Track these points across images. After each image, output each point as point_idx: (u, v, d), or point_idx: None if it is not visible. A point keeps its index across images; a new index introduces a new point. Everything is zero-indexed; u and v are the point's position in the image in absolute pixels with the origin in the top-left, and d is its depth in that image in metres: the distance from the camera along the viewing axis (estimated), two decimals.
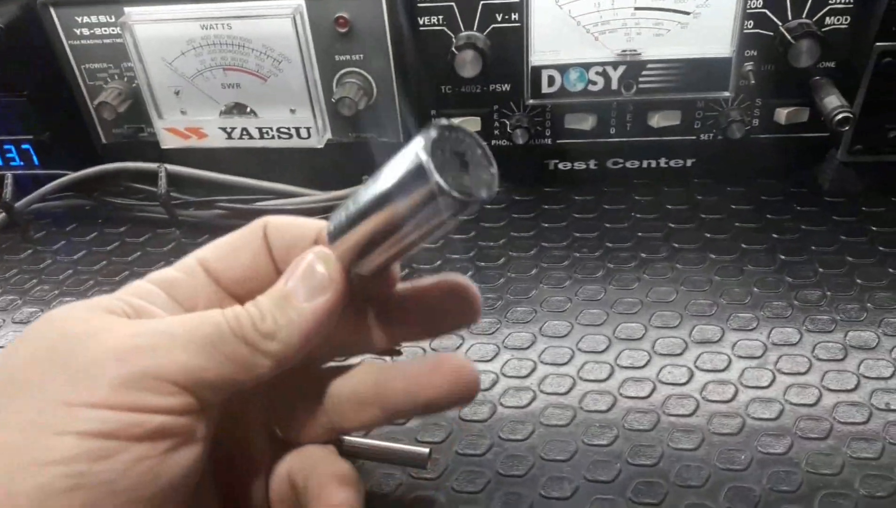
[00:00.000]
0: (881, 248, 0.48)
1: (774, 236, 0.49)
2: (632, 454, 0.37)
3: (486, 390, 0.41)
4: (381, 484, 0.36)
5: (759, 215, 0.51)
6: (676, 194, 0.53)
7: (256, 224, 0.30)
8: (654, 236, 0.50)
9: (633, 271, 0.48)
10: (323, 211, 0.52)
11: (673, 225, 0.51)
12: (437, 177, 0.21)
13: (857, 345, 0.42)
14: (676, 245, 0.49)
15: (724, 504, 0.34)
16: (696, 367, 0.41)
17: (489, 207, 0.53)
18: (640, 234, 0.50)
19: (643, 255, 0.49)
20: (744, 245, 0.49)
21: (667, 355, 0.42)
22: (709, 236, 0.50)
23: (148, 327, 0.25)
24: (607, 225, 0.51)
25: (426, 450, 0.34)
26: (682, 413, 0.39)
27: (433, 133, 0.22)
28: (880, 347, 0.41)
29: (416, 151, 0.22)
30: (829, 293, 0.45)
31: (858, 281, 0.46)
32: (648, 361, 0.42)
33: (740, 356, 0.41)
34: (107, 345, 0.23)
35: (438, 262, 0.49)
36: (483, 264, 0.49)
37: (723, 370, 0.41)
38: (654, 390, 0.40)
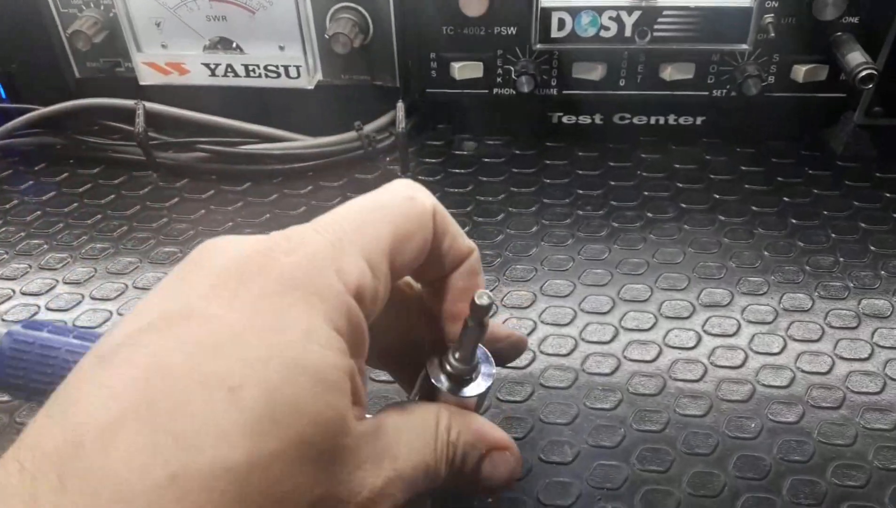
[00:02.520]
0: (895, 214, 0.46)
1: (786, 199, 0.47)
2: (637, 419, 0.35)
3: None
4: None
5: (770, 178, 0.49)
6: (685, 152, 0.51)
7: (425, 208, 0.25)
8: (661, 196, 0.48)
9: (639, 231, 0.45)
10: (312, 158, 0.49)
11: (681, 185, 0.48)
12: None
13: (870, 313, 0.40)
14: (684, 205, 0.47)
15: (734, 474, 0.33)
16: (704, 331, 0.39)
17: (488, 160, 0.51)
18: (646, 193, 0.48)
19: (649, 214, 0.46)
20: (754, 208, 0.47)
21: (674, 317, 0.40)
22: (718, 197, 0.48)
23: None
24: (612, 182, 0.49)
25: None
26: (690, 378, 0.37)
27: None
28: (895, 315, 0.40)
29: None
30: (842, 260, 0.43)
31: (872, 248, 0.44)
32: (654, 323, 0.40)
33: (750, 321, 0.39)
34: None
35: None
36: (481, 219, 0.46)
37: (732, 335, 0.39)
38: (660, 353, 0.38)
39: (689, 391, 0.36)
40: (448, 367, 0.27)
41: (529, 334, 0.39)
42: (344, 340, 0.21)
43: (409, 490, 0.23)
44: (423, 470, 0.23)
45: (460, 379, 0.27)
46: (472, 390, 0.27)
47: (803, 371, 0.37)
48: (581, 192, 0.48)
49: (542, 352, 0.38)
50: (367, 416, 0.23)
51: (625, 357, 0.38)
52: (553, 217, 0.46)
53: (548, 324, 0.40)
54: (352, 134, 0.49)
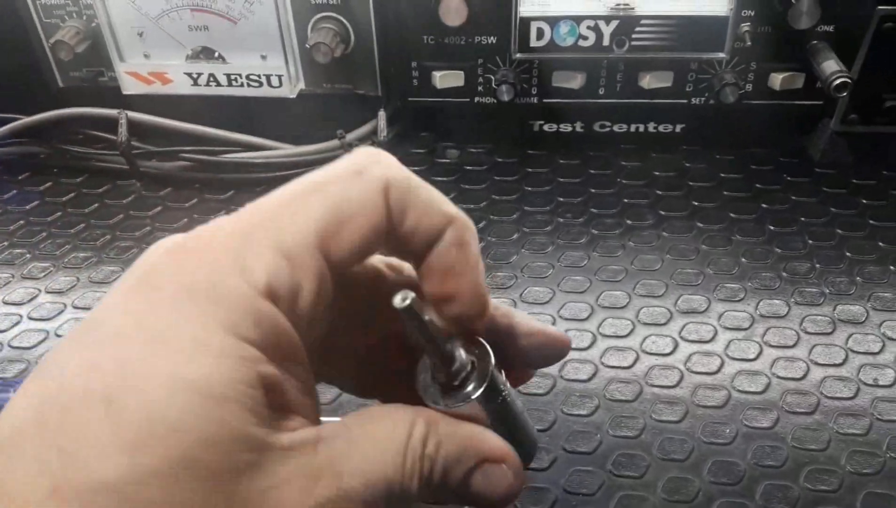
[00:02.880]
0: (871, 221, 0.46)
1: (764, 205, 0.48)
2: (613, 425, 0.35)
3: None
4: None
5: (748, 184, 0.49)
6: (664, 160, 0.51)
7: (371, 183, 0.21)
8: (641, 203, 0.48)
9: (619, 239, 0.46)
10: (293, 166, 0.49)
11: (660, 192, 0.49)
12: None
13: (845, 319, 0.40)
14: (663, 213, 0.47)
15: (708, 479, 0.33)
16: (681, 337, 0.39)
17: (470, 168, 0.51)
18: (626, 200, 0.48)
19: (629, 222, 0.47)
20: (732, 215, 0.47)
21: (651, 324, 0.40)
22: (697, 204, 0.48)
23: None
24: (592, 190, 0.49)
25: None
26: (666, 384, 0.37)
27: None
28: (869, 321, 0.40)
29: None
30: (818, 266, 0.43)
31: (848, 254, 0.44)
32: (632, 330, 0.40)
33: (727, 328, 0.40)
34: None
35: None
36: None
37: (708, 342, 0.39)
38: (637, 359, 0.38)
39: (665, 397, 0.36)
40: (434, 375, 0.23)
41: None
42: (253, 346, 0.19)
43: None
44: (383, 489, 0.20)
45: (448, 385, 0.23)
46: (458, 398, 0.22)
47: (778, 377, 0.37)
48: (562, 199, 0.49)
49: None
50: (323, 421, 0.21)
51: (602, 364, 0.38)
52: (534, 225, 0.47)
53: None
54: (334, 142, 0.49)
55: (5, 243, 0.46)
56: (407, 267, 0.25)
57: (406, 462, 0.21)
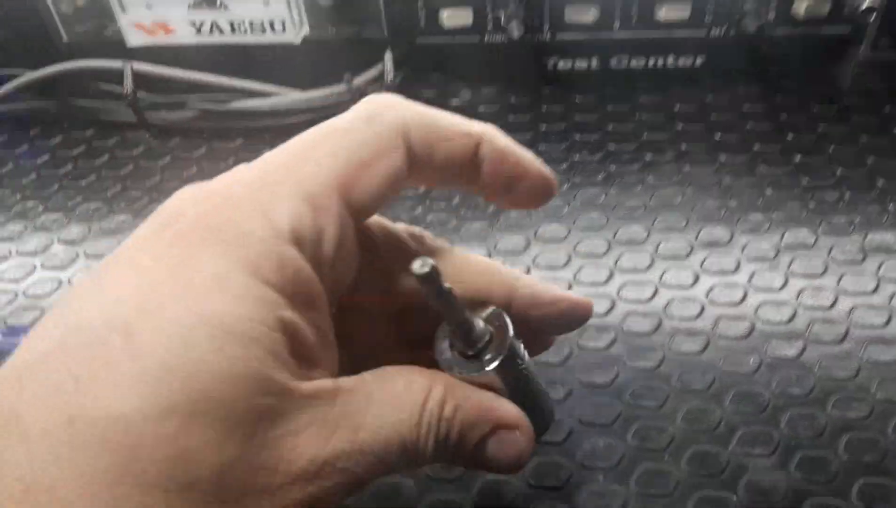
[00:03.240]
0: None
1: (790, 135, 0.46)
2: (630, 356, 0.34)
3: None
4: None
5: (773, 115, 0.47)
6: (685, 94, 0.49)
7: (388, 128, 0.22)
8: (660, 138, 0.46)
9: (637, 174, 0.44)
10: (301, 112, 0.48)
11: (681, 126, 0.47)
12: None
13: (876, 247, 0.38)
14: (684, 147, 0.46)
15: (730, 409, 0.32)
16: (703, 270, 0.38)
17: (483, 109, 0.50)
18: (645, 136, 0.47)
19: (648, 157, 0.45)
20: (756, 146, 0.45)
21: (671, 258, 0.39)
22: (719, 136, 0.46)
23: None
24: (610, 127, 0.48)
25: None
26: (686, 316, 0.36)
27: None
28: None
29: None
30: (847, 195, 0.41)
31: (879, 182, 0.42)
32: (651, 264, 0.39)
33: (751, 259, 0.38)
34: None
35: None
36: None
37: (731, 273, 0.38)
38: (655, 293, 0.37)
39: (685, 329, 0.35)
40: (452, 342, 0.23)
41: None
42: (275, 290, 0.19)
43: (377, 468, 0.20)
44: (397, 447, 0.20)
45: (465, 354, 0.23)
46: (475, 367, 0.23)
47: (805, 306, 0.36)
48: (578, 137, 0.47)
49: None
50: (339, 379, 0.21)
51: (619, 298, 0.37)
52: (549, 163, 0.45)
53: (542, 268, 0.39)
54: (341, 87, 0.48)
55: (18, 197, 0.46)
56: (428, 236, 0.26)
57: (422, 423, 0.21)
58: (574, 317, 0.26)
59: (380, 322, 0.26)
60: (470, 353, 0.23)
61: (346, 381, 0.20)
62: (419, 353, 0.24)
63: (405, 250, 0.25)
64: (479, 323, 0.23)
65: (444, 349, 0.23)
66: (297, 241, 0.20)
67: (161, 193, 0.46)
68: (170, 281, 0.18)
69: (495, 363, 0.23)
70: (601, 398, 0.33)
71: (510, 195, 0.25)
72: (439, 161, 0.22)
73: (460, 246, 0.40)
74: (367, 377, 0.21)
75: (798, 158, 0.44)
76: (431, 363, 0.24)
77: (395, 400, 0.21)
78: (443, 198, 0.43)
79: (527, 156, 0.24)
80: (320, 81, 0.49)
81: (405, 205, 0.43)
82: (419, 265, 0.20)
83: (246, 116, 0.48)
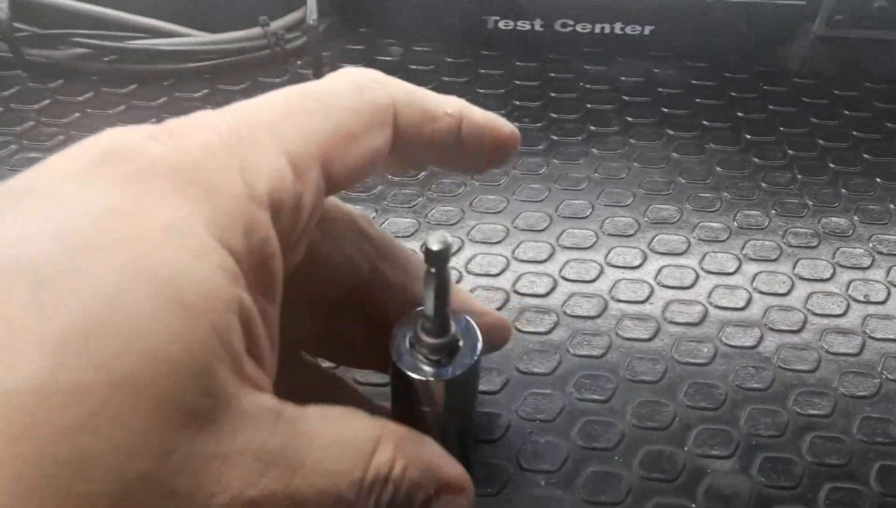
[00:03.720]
0: (855, 133, 0.42)
1: (739, 114, 0.43)
2: (574, 343, 0.30)
3: None
4: None
5: (721, 92, 0.44)
6: (631, 64, 0.46)
7: (382, 105, 0.19)
8: (605, 109, 0.43)
9: (581, 145, 0.40)
10: (209, 57, 0.42)
11: (626, 98, 0.44)
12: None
13: (831, 231, 0.36)
14: (630, 119, 0.42)
15: (685, 402, 0.28)
16: (651, 250, 0.35)
17: (415, 67, 0.45)
18: (589, 105, 0.43)
19: (592, 128, 0.41)
20: (705, 122, 0.42)
21: (617, 235, 0.35)
22: (666, 110, 0.43)
23: None
24: (552, 94, 0.44)
25: None
26: (634, 299, 0.32)
27: None
28: (856, 234, 0.36)
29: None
30: (799, 177, 0.39)
31: (831, 165, 0.40)
32: (595, 242, 0.35)
33: (702, 240, 0.35)
34: None
35: None
36: None
37: (681, 254, 0.34)
38: (601, 273, 0.33)
39: (633, 313, 0.32)
40: (418, 340, 0.21)
41: (456, 252, 0.34)
42: (236, 262, 0.15)
43: None
44: (332, 502, 0.16)
45: (429, 357, 0.21)
46: (440, 373, 0.21)
47: (760, 292, 0.33)
48: (518, 103, 0.43)
49: (469, 271, 0.33)
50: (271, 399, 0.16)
51: (562, 278, 0.33)
52: None
53: (477, 242, 0.35)
54: (257, 31, 0.42)
55: None
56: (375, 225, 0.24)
57: (366, 481, 0.17)
58: (494, 336, 0.25)
59: (299, 315, 0.22)
60: (433, 358, 0.21)
61: (290, 408, 0.16)
62: (329, 348, 0.23)
63: (359, 234, 0.22)
64: (453, 326, 0.21)
65: (402, 347, 0.21)
66: (273, 206, 0.16)
67: (34, 140, 0.39)
68: (104, 222, 0.14)
69: (464, 370, 0.21)
70: (541, 389, 0.29)
71: (485, 163, 0.23)
72: (425, 142, 0.20)
73: (387, 215, 0.36)
74: (312, 412, 0.17)
75: (748, 137, 0.41)
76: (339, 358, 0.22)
77: (339, 448, 0.17)
78: None
79: (499, 122, 0.22)
80: (234, 22, 0.43)
81: None
82: (436, 241, 0.18)
83: (143, 58, 0.42)
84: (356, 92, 0.19)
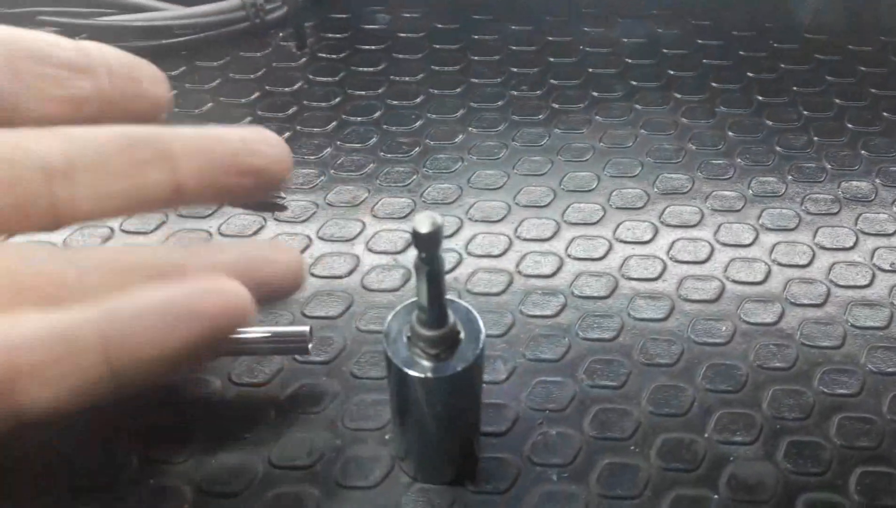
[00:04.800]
0: (873, 90, 0.40)
1: (749, 74, 0.41)
2: (583, 326, 0.28)
3: (399, 253, 0.31)
4: (254, 371, 0.26)
5: (729, 51, 0.42)
6: (633, 25, 0.44)
7: None
8: (608, 73, 0.40)
9: (583, 112, 0.38)
10: (185, 32, 0.39)
11: (630, 60, 0.41)
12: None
13: (852, 196, 0.34)
14: (634, 83, 0.40)
15: (703, 386, 0.27)
16: (662, 222, 0.33)
17: (403, 35, 0.42)
18: (590, 70, 0.41)
19: (595, 94, 0.39)
20: (714, 84, 0.40)
21: (625, 208, 0.33)
22: (672, 73, 0.41)
23: None
24: (551, 59, 0.41)
25: (306, 328, 0.24)
26: (646, 277, 0.30)
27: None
28: (879, 198, 0.34)
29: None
30: (816, 139, 0.37)
31: (849, 125, 0.38)
32: (602, 217, 0.33)
33: (715, 210, 0.33)
34: None
35: (337, 99, 0.38)
36: (395, 102, 0.38)
37: (694, 226, 0.32)
38: (609, 250, 0.31)
39: (645, 292, 0.30)
40: (414, 333, 0.20)
41: (455, 233, 0.32)
42: None
43: None
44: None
45: (427, 352, 0.20)
46: (440, 368, 0.19)
47: (780, 264, 0.31)
48: (515, 70, 0.40)
49: (469, 253, 0.31)
50: None
51: (568, 256, 0.31)
52: (482, 99, 0.39)
53: (477, 221, 0.33)
54: (235, 2, 0.40)
55: None
56: None
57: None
58: (285, 282, 0.22)
59: None
60: (432, 352, 0.19)
61: None
62: None
63: None
64: (451, 314, 0.20)
65: (399, 343, 0.20)
66: None
67: None
68: None
69: (466, 364, 0.19)
70: (550, 376, 0.27)
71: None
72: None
73: (378, 195, 0.33)
74: None
75: (760, 98, 0.39)
76: None
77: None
78: (358, 139, 0.36)
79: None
80: None
81: (312, 144, 0.36)
82: (425, 221, 0.16)
83: (114, 36, 0.39)
84: None
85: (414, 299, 0.20)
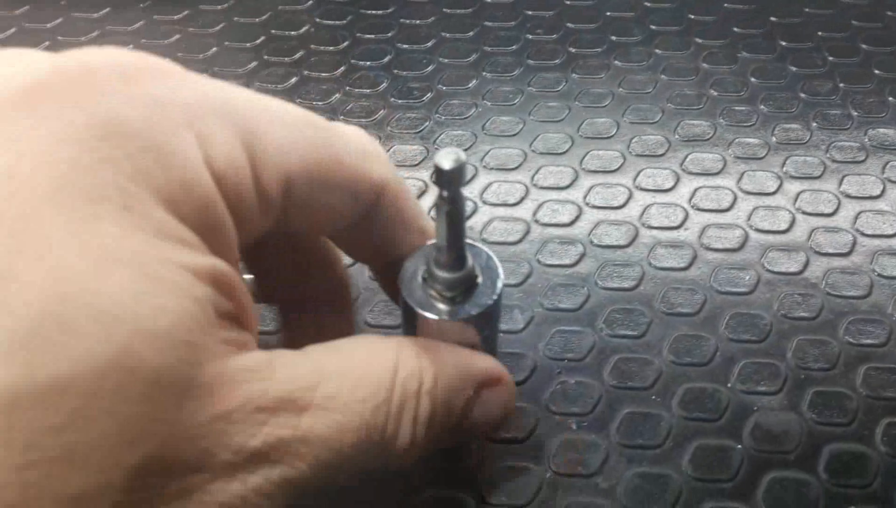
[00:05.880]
0: None
1: (773, 19, 0.39)
2: (602, 275, 0.28)
3: None
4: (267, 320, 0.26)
5: None
6: None
7: (380, 167, 0.19)
8: (626, 16, 0.39)
9: (601, 57, 0.37)
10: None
11: (649, 3, 0.40)
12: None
13: (879, 144, 0.33)
14: (654, 27, 0.38)
15: (726, 335, 0.26)
16: (683, 170, 0.32)
17: None
18: (608, 13, 0.39)
19: (613, 38, 0.38)
20: (736, 29, 0.38)
21: (645, 156, 0.32)
22: (693, 17, 0.39)
23: None
24: (567, 1, 0.40)
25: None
26: (667, 225, 0.29)
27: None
28: None
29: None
30: (842, 85, 0.36)
31: (876, 71, 0.36)
32: (622, 164, 0.32)
33: (738, 158, 0.32)
34: None
35: (345, 43, 0.37)
36: (406, 46, 0.37)
37: (717, 174, 0.31)
38: (630, 198, 0.31)
39: (666, 241, 0.29)
40: (431, 275, 0.19)
41: (470, 181, 0.31)
42: (192, 229, 0.14)
43: (328, 463, 0.15)
44: (356, 435, 0.15)
45: (443, 294, 0.19)
46: (456, 311, 0.19)
47: (804, 213, 0.30)
48: (530, 13, 0.39)
49: (484, 202, 0.30)
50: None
51: (587, 204, 0.30)
52: (496, 42, 0.37)
53: (491, 169, 0.32)
54: None
55: None
56: None
57: (393, 400, 0.16)
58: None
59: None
60: (448, 294, 0.19)
61: (282, 354, 0.16)
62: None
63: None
64: (470, 258, 0.19)
65: (415, 284, 0.19)
66: (227, 177, 0.15)
67: None
68: (49, 197, 0.13)
69: (481, 309, 0.19)
70: (569, 326, 0.26)
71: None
72: (387, 236, 0.20)
73: (389, 142, 0.32)
74: (314, 349, 0.16)
75: (783, 43, 0.38)
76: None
77: (353, 377, 0.16)
78: (367, 84, 0.35)
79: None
80: None
81: (320, 90, 0.35)
82: (448, 157, 0.16)
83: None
84: (360, 140, 0.18)
85: (433, 241, 0.19)
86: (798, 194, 0.31)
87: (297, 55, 0.36)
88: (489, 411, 0.19)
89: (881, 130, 0.33)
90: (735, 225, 0.29)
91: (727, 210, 0.30)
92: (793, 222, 0.30)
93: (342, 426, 0.15)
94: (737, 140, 0.33)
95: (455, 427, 0.18)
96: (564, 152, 0.32)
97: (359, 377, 0.16)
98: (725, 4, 0.40)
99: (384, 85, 0.35)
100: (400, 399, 0.16)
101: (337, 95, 0.34)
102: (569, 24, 0.38)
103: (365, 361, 0.16)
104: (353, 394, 0.15)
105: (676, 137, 0.33)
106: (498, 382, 0.19)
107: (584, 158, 0.32)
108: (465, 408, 0.18)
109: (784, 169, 0.32)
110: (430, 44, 0.37)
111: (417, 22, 0.38)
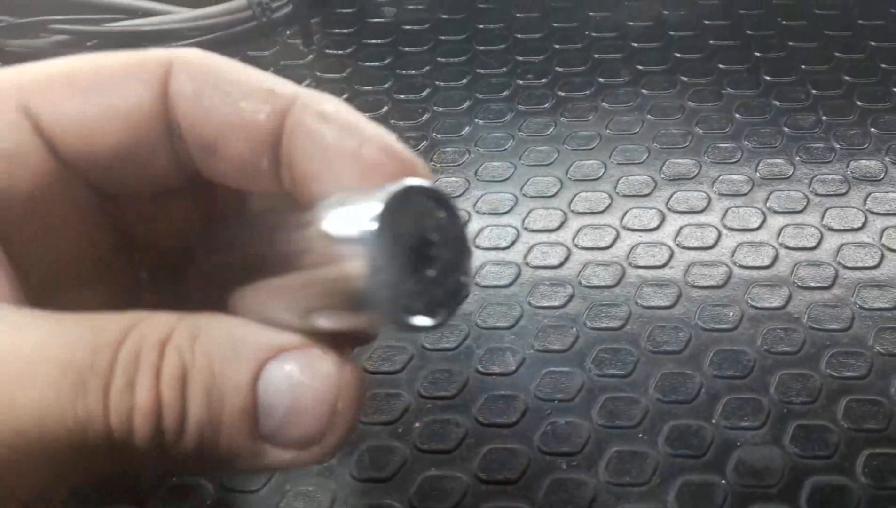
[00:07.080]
0: (883, 65, 0.39)
1: (757, 54, 0.40)
2: (591, 315, 0.29)
3: None
4: None
5: (736, 31, 0.42)
6: (638, 7, 0.43)
7: (150, 60, 0.15)
8: (614, 58, 0.40)
9: (589, 100, 0.38)
10: (193, 34, 0.40)
11: (636, 44, 0.41)
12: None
13: (861, 176, 0.34)
14: (641, 67, 0.40)
15: (711, 372, 0.27)
16: (669, 208, 0.33)
17: (409, 27, 0.43)
18: (596, 55, 0.41)
19: (601, 80, 0.39)
20: (721, 66, 0.40)
21: (632, 196, 0.33)
22: (679, 55, 0.40)
23: None
24: (556, 46, 0.41)
25: None
26: (653, 264, 0.31)
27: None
28: (888, 177, 0.34)
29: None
30: (825, 118, 0.37)
31: (859, 103, 0.37)
32: (609, 204, 0.33)
33: (722, 194, 0.33)
34: None
35: (344, 96, 0.39)
36: (402, 96, 0.39)
37: (701, 211, 0.33)
38: (616, 238, 0.32)
39: (652, 279, 0.30)
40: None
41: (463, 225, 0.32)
42: None
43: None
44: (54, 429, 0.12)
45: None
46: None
47: (787, 247, 0.31)
48: (520, 58, 0.41)
49: (478, 246, 0.32)
50: None
51: (575, 245, 0.31)
52: (488, 89, 0.39)
53: (484, 214, 0.33)
54: (240, 2, 0.40)
55: None
56: None
57: (124, 348, 0.12)
58: None
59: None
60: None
61: None
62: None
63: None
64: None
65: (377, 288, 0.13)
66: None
67: None
68: None
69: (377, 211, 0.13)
70: (559, 367, 0.27)
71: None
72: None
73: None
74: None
75: (768, 78, 0.39)
76: None
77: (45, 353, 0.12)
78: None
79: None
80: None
81: None
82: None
83: (125, 41, 0.40)
84: (122, 60, 0.15)
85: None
86: (781, 229, 0.32)
87: None
88: (280, 390, 0.13)
89: (863, 162, 0.34)
90: (719, 262, 0.31)
91: (711, 247, 0.31)
92: (776, 257, 0.31)
93: (28, 416, 0.12)
94: (721, 177, 0.34)
95: (241, 413, 0.13)
96: (554, 195, 0.34)
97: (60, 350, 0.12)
98: (711, 41, 0.41)
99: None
100: (134, 347, 0.12)
101: None
102: (558, 69, 0.40)
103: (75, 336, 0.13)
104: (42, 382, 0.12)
105: (662, 176, 0.34)
106: (302, 347, 0.13)
107: (572, 200, 0.33)
108: (244, 385, 0.13)
109: (768, 204, 0.33)
110: (424, 93, 0.39)
111: (413, 72, 0.40)
